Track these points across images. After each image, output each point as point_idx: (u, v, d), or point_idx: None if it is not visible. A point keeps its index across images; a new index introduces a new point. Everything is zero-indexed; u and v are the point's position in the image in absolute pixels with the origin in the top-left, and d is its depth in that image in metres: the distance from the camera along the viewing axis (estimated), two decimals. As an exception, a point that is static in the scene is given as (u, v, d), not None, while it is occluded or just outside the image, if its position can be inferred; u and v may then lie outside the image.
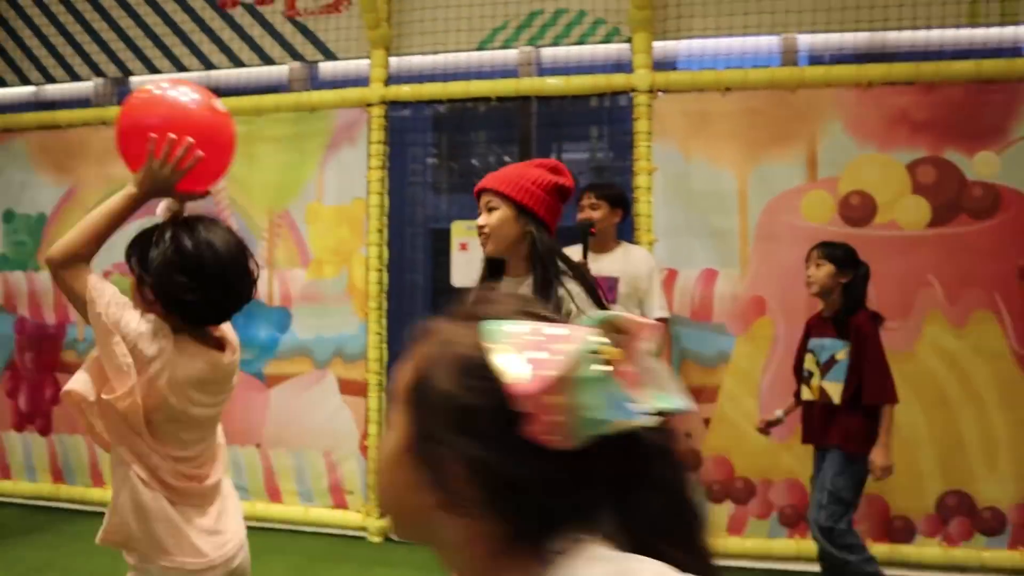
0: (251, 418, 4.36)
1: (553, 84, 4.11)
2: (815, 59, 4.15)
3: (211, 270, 1.77)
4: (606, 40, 4.15)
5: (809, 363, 3.23)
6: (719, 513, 3.77)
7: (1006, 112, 3.64)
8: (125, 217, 1.83)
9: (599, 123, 5.28)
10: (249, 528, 1.96)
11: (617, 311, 0.76)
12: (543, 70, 4.32)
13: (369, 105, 4.21)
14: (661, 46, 4.08)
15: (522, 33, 4.23)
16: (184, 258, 1.76)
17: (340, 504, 4.28)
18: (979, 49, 3.81)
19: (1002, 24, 3.79)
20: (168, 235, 1.79)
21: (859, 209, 3.71)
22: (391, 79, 4.30)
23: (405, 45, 4.33)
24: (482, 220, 2.25)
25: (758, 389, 3.74)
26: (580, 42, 4.19)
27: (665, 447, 0.71)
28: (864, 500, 3.21)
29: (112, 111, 4.72)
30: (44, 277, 4.78)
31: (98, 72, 4.93)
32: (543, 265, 2.20)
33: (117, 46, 4.87)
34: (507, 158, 5.06)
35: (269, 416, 4.34)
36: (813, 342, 3.25)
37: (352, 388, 4.20)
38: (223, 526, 1.87)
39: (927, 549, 3.62)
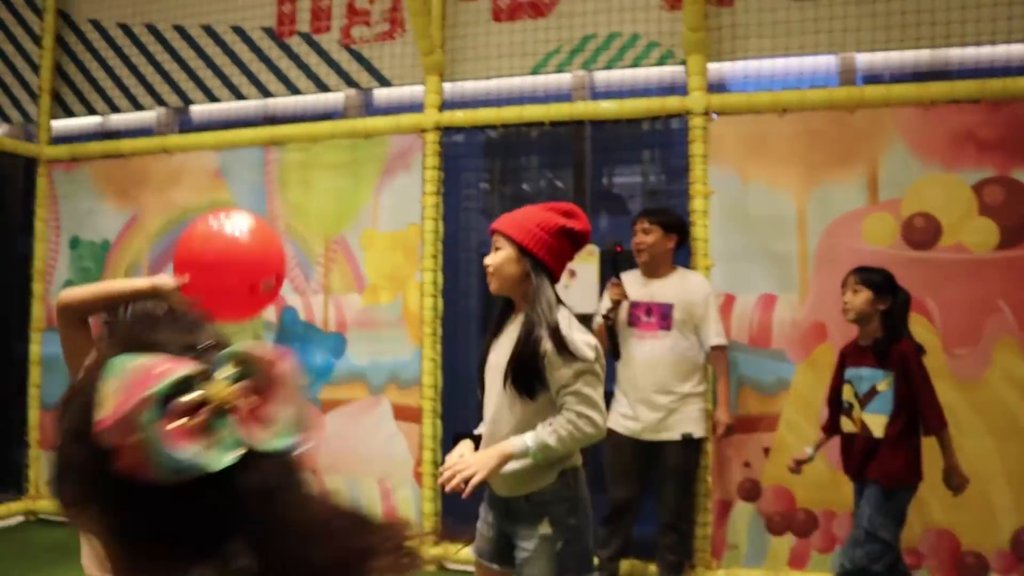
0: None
1: (607, 108, 4.12)
2: (874, 78, 4.10)
3: None
4: (660, 63, 4.15)
5: (847, 394, 3.16)
6: (780, 546, 3.70)
7: (1079, 130, 3.55)
8: (138, 299, 2.02)
9: (651, 147, 5.28)
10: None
11: (248, 346, 0.71)
12: (596, 94, 4.34)
13: (423, 131, 4.27)
14: (716, 68, 4.06)
15: (575, 57, 4.26)
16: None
17: (394, 530, 4.30)
18: (1049, 66, 3.73)
19: (1073, 40, 3.71)
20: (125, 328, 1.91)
21: (923, 231, 3.63)
22: (445, 105, 4.36)
23: (459, 71, 4.39)
24: (488, 259, 2.40)
25: (819, 417, 3.67)
26: (634, 65, 4.20)
27: (269, 486, 0.68)
28: (933, 535, 3.13)
29: (173, 139, 4.91)
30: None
31: (160, 102, 5.10)
32: (530, 305, 2.30)
33: (179, 76, 5.04)
34: (559, 183, 5.09)
35: (324, 442, 4.40)
36: (850, 372, 3.17)
37: (407, 414, 4.23)
38: None
39: (1001, 586, 3.50)
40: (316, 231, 4.48)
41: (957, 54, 3.84)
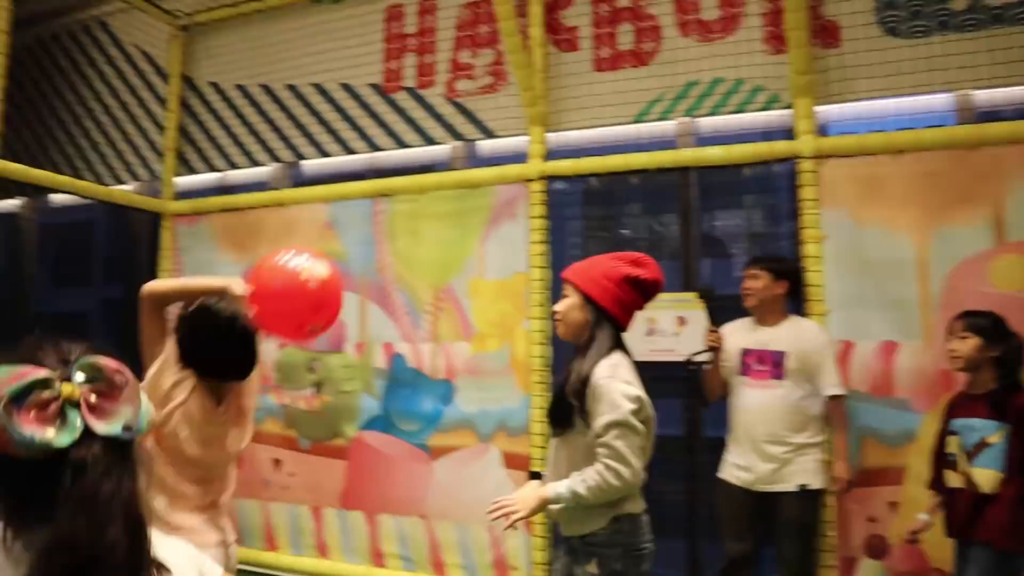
0: (415, 489, 4.50)
1: (714, 154, 4.13)
2: (993, 115, 3.97)
3: (203, 347, 2.32)
4: (766, 107, 4.14)
5: (953, 446, 2.99)
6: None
7: None
8: (210, 295, 2.36)
9: (753, 192, 5.27)
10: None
11: (97, 358, 1.00)
12: (701, 140, 4.36)
13: (528, 181, 4.36)
14: (824, 110, 4.03)
15: (678, 104, 4.29)
16: (188, 333, 2.32)
17: (503, 579, 4.32)
18: None
19: None
20: (190, 313, 2.33)
21: (1058, 274, 3.48)
22: (549, 154, 4.45)
23: (562, 121, 4.48)
24: (556, 306, 2.58)
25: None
26: (739, 111, 4.20)
27: (86, 460, 0.94)
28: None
29: (287, 193, 5.14)
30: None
31: (274, 158, 5.38)
32: (584, 352, 2.46)
33: (291, 133, 5.30)
34: (657, 227, 5.11)
35: (433, 488, 4.47)
36: (958, 423, 3.00)
37: (516, 462, 4.26)
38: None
39: None
40: (424, 280, 4.61)
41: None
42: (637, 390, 2.39)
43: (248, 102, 5.49)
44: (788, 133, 4.01)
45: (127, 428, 1.00)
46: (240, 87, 5.54)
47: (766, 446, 3.45)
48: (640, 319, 3.88)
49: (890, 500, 3.59)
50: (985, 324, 3.00)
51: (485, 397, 4.37)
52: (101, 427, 0.97)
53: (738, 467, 3.53)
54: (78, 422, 0.96)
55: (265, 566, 4.88)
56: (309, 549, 4.82)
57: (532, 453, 4.19)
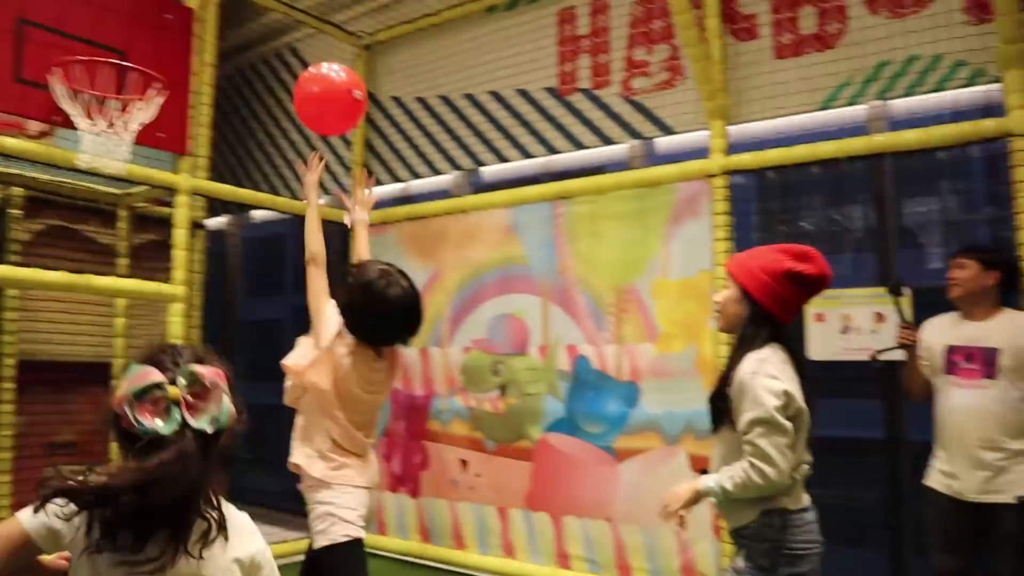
0: (601, 492, 4.61)
1: (912, 137, 3.95)
2: None
3: (373, 325, 2.91)
4: (969, 83, 3.92)
5: None
6: None
7: None
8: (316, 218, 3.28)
9: (948, 177, 4.97)
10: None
11: (195, 368, 1.48)
12: (896, 124, 4.18)
13: (710, 176, 4.35)
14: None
15: (869, 87, 4.14)
16: (349, 299, 2.93)
17: (692, 583, 4.31)
18: None
19: None
20: (350, 281, 2.95)
21: None
22: (731, 148, 4.43)
23: (744, 112, 4.44)
24: (715, 296, 2.65)
25: None
26: (937, 89, 4.00)
27: (191, 450, 1.43)
28: None
29: (468, 200, 5.40)
30: (413, 354, 5.51)
31: (455, 166, 5.67)
32: (736, 347, 2.51)
33: (470, 141, 5.57)
34: (839, 218, 4.95)
35: (619, 491, 4.55)
36: None
37: (704, 464, 4.23)
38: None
39: None
40: (606, 281, 4.69)
41: None
42: (784, 384, 2.36)
43: (428, 113, 5.82)
44: (988, 111, 3.77)
45: (213, 421, 1.48)
46: (420, 99, 5.88)
47: (979, 452, 3.25)
48: (834, 316, 3.81)
49: None
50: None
51: (671, 399, 4.40)
52: (193, 422, 1.46)
53: (946, 475, 3.35)
54: (178, 416, 1.45)
55: (454, 564, 5.15)
56: (496, 549, 5.04)
57: (721, 455, 4.18)
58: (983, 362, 3.31)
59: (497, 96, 5.45)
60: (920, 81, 4.01)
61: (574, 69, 5.11)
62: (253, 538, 1.61)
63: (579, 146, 5.05)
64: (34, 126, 5.07)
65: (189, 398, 1.47)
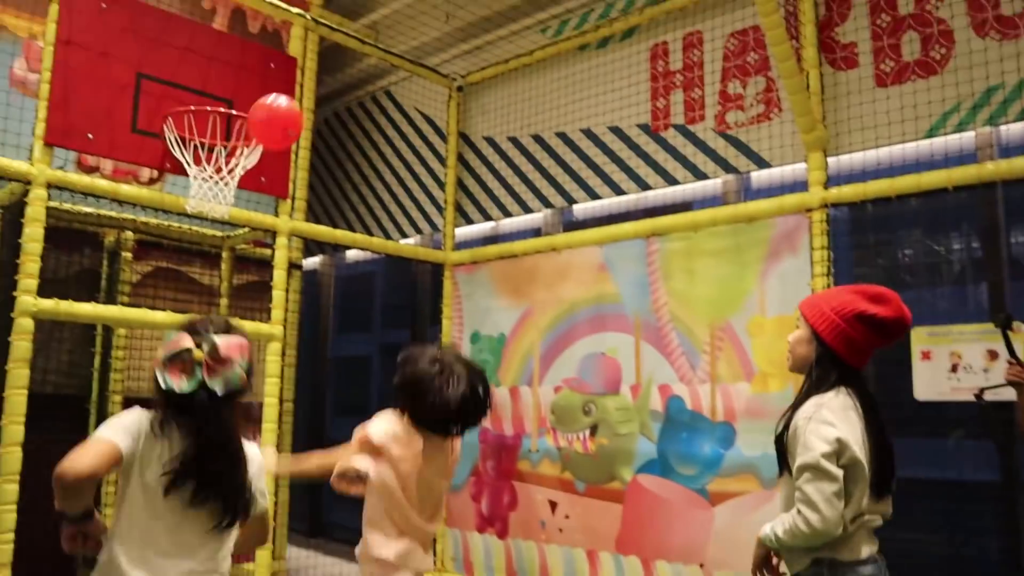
0: (694, 536, 4.50)
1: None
2: None
3: (440, 421, 2.85)
4: (1091, 107, 3.77)
5: None
6: None
7: None
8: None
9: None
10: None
11: (215, 339, 2.18)
12: (1006, 150, 4.05)
13: (809, 210, 4.27)
14: None
15: (978, 113, 4.03)
16: (402, 386, 2.87)
17: (793, 635, 4.18)
18: None
19: None
20: (407, 370, 2.88)
21: None
22: (830, 180, 4.35)
23: (844, 144, 4.36)
24: (789, 336, 2.65)
25: None
26: (1053, 114, 3.86)
27: (208, 405, 2.16)
28: None
29: (560, 238, 5.44)
30: (503, 392, 5.56)
31: (546, 204, 5.75)
32: (802, 388, 2.53)
33: (562, 179, 5.63)
34: (940, 249, 4.79)
35: (713, 535, 4.44)
36: None
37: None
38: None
39: None
40: (701, 319, 4.64)
41: None
42: (838, 431, 2.32)
43: (520, 152, 5.93)
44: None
45: (226, 383, 2.15)
46: (512, 139, 6.00)
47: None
48: (942, 354, 3.69)
49: None
50: None
51: (768, 440, 4.26)
52: (209, 382, 2.13)
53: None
54: (199, 376, 2.13)
55: (546, 607, 5.11)
56: (586, 593, 4.98)
57: (824, 500, 4.05)
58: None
59: (589, 133, 5.52)
60: (1034, 106, 3.88)
61: (667, 105, 5.13)
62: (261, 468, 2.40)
63: (672, 182, 5.05)
64: (145, 173, 5.41)
65: (210, 362, 2.14)
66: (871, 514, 2.43)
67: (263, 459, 2.42)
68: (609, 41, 5.49)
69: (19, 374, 3.86)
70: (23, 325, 3.91)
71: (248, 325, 4.80)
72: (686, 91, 5.05)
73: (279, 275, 4.93)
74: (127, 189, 4.39)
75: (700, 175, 4.93)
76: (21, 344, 3.89)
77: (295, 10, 5.12)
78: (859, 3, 4.41)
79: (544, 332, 5.40)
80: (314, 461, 2.93)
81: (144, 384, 5.68)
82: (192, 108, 4.26)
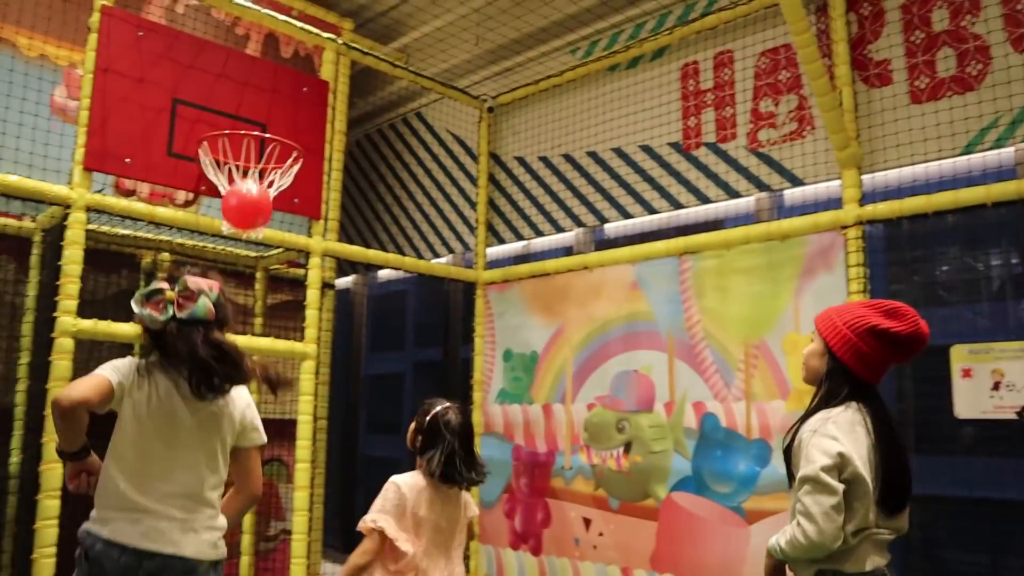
0: (730, 554, 4.45)
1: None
2: None
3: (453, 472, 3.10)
4: None
5: None
6: None
7: None
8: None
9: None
10: None
11: (186, 279, 2.56)
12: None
13: (844, 228, 4.23)
14: None
15: (1018, 128, 3.97)
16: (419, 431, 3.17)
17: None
18: None
19: None
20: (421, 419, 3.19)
21: None
22: (864, 198, 4.31)
23: (878, 161, 4.32)
24: (804, 349, 2.65)
25: None
26: (1094, 128, 3.80)
27: (182, 330, 2.51)
28: None
29: (592, 257, 5.43)
30: (536, 410, 5.54)
31: (578, 223, 5.74)
32: (811, 401, 2.52)
33: (594, 198, 5.63)
34: (978, 265, 4.71)
35: (750, 553, 4.39)
36: None
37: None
38: None
39: None
40: (735, 337, 4.60)
41: None
42: (841, 446, 2.31)
43: (551, 171, 5.94)
44: None
45: (191, 314, 2.48)
46: (543, 158, 6.01)
47: None
48: (983, 372, 3.63)
49: None
50: None
51: (805, 458, 4.24)
52: (179, 314, 2.48)
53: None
54: (171, 311, 2.48)
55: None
56: (622, 612, 4.93)
57: (863, 520, 3.98)
58: None
59: (620, 153, 5.51)
60: (1076, 121, 3.83)
61: (698, 123, 5.12)
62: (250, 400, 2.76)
63: (704, 200, 5.03)
64: (181, 195, 5.48)
65: (180, 300, 2.49)
66: (880, 529, 2.39)
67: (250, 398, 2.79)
68: (639, 61, 5.49)
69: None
70: (63, 345, 3.96)
71: (282, 344, 4.83)
72: (717, 110, 5.04)
73: (312, 294, 4.96)
74: (163, 211, 4.45)
75: (732, 193, 4.91)
76: (61, 363, 3.94)
77: (327, 35, 5.18)
78: (892, 20, 4.38)
79: (577, 350, 5.38)
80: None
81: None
82: (227, 132, 4.31)
